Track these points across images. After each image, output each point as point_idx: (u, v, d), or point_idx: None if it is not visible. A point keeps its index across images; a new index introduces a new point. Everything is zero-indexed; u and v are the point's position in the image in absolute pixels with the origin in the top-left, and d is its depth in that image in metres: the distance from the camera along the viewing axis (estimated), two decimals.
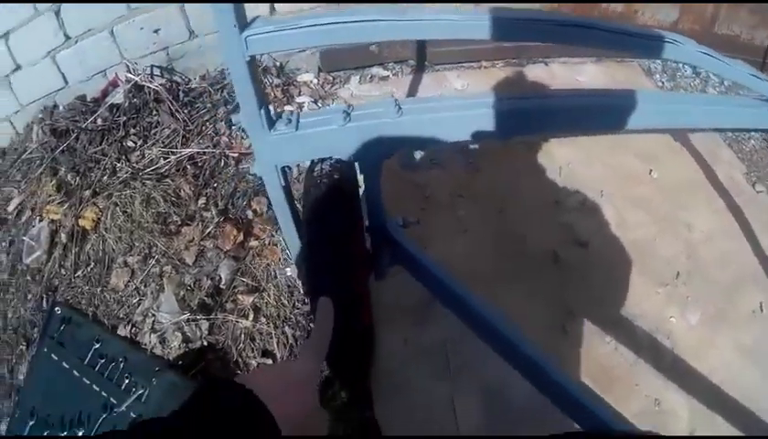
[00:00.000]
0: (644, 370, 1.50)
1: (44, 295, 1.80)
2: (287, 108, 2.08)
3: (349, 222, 1.03)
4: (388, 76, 2.35)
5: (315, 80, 2.26)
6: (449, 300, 1.07)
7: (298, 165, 1.78)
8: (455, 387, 1.45)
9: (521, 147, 2.04)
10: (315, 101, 2.16)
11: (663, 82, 2.41)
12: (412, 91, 2.28)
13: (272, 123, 0.91)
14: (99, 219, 1.85)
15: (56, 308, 1.71)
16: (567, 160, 2.01)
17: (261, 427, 0.51)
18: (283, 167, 0.98)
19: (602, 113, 0.94)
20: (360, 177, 1.01)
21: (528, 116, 0.95)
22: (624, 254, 1.74)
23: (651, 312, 1.61)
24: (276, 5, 2.09)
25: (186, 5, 2.03)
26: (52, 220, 1.92)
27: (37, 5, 1.94)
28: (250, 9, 0.85)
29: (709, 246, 1.79)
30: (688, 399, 1.45)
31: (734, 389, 1.47)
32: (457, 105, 0.93)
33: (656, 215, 1.86)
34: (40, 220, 1.95)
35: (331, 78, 2.31)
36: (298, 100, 2.14)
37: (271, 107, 0.91)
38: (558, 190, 1.93)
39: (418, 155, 0.99)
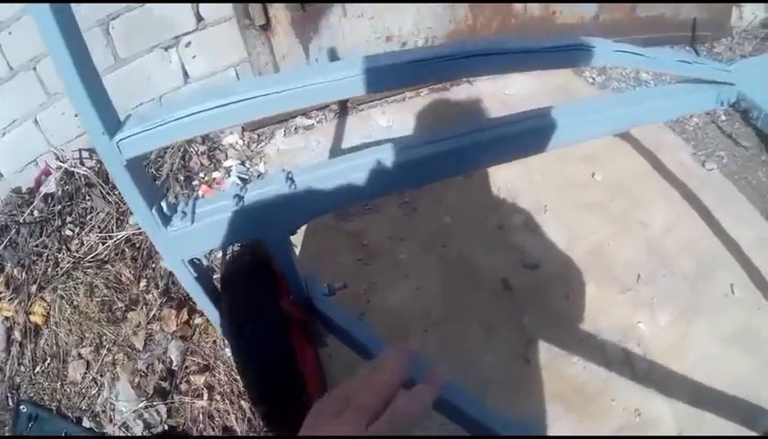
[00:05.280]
0: (618, 383, 1.43)
1: (8, 394, 1.76)
2: (215, 175, 2.05)
3: (272, 298, 0.98)
4: (312, 125, 2.30)
5: (241, 141, 2.22)
6: None
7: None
8: None
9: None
10: (243, 163, 2.12)
11: (593, 78, 2.36)
12: (338, 137, 2.22)
13: (167, 220, 0.87)
14: (48, 312, 1.81)
15: (21, 406, 1.68)
16: (504, 179, 1.93)
17: None
18: (191, 259, 0.93)
19: (541, 135, 0.89)
20: None
21: (458, 156, 0.89)
22: (578, 268, 1.67)
23: (616, 321, 1.54)
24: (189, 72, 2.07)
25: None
26: (6, 318, 1.88)
27: None
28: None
29: (669, 238, 1.73)
30: (671, 402, 1.38)
31: (720, 380, 1.40)
32: (358, 165, 0.88)
33: (608, 219, 1.80)
34: None
35: (256, 136, 2.26)
36: (225, 164, 2.10)
37: (164, 204, 0.86)
38: (500, 213, 1.85)
39: None
